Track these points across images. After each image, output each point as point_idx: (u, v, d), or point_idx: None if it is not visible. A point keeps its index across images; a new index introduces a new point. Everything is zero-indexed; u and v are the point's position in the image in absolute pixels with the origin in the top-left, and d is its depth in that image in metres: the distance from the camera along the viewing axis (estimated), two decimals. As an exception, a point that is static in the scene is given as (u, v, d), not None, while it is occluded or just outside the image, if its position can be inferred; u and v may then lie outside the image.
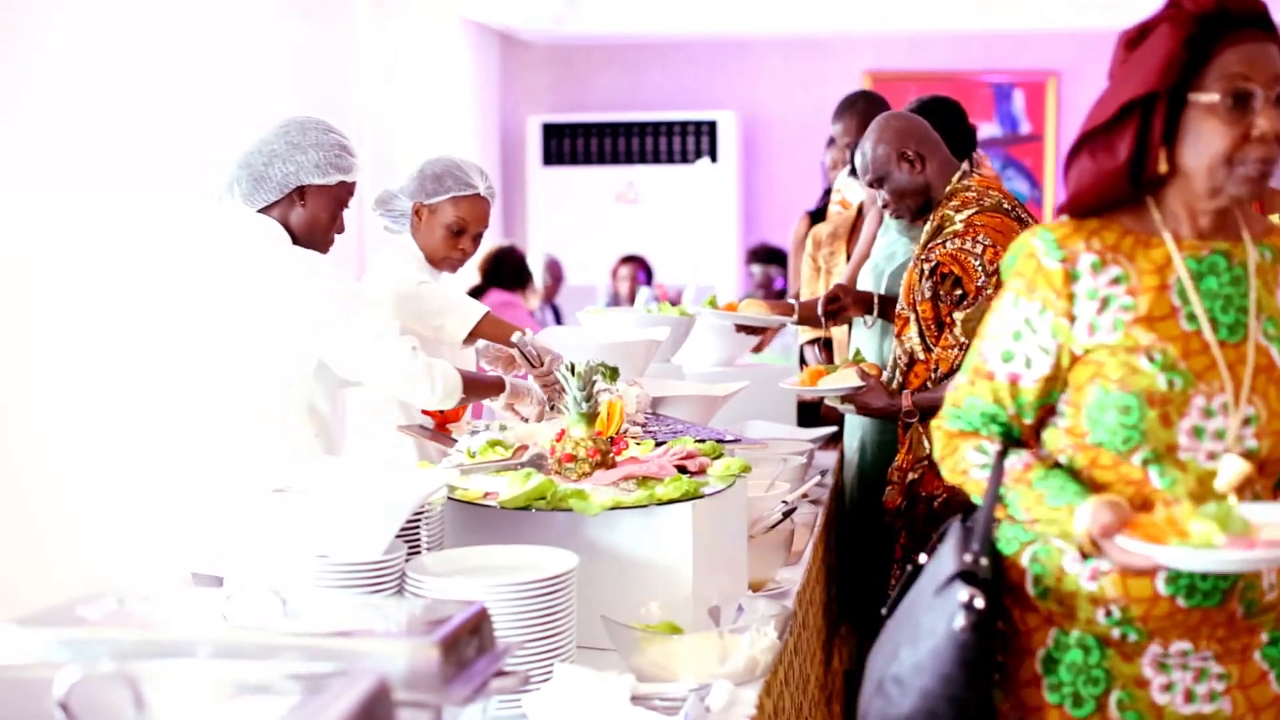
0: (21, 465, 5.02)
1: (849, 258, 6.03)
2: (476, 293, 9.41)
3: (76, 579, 4.98)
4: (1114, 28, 10.69)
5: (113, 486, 5.47)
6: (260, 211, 3.95)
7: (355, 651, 1.95)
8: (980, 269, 4.38)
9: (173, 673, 1.82)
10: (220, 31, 6.68)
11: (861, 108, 6.11)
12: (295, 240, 3.96)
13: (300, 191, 3.95)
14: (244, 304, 3.86)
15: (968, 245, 4.42)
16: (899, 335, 4.60)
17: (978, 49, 12.99)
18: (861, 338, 5.32)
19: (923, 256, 4.52)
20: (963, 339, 4.40)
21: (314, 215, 3.98)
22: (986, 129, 12.60)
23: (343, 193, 4.02)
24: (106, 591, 2.18)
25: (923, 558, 2.81)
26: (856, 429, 5.30)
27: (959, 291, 4.42)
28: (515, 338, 4.42)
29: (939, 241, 4.49)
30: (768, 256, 11.04)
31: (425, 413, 4.31)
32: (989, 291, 4.35)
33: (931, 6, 11.71)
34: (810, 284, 6.23)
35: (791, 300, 5.76)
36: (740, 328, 5.49)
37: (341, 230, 4.08)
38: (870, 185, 4.75)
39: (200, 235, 4.10)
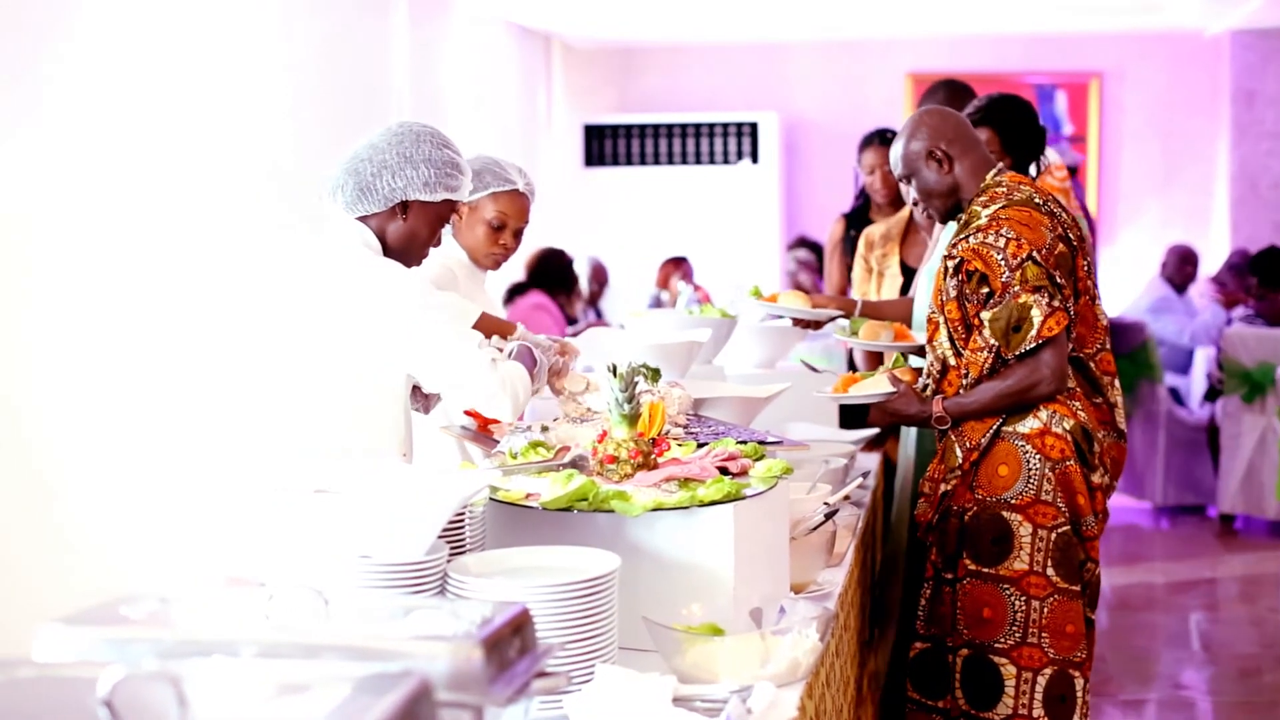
0: (66, 466, 5.05)
1: (902, 260, 5.99)
2: (518, 290, 9.44)
3: (121, 579, 5.00)
4: (1156, 28, 10.72)
5: (166, 488, 5.50)
6: (360, 219, 3.87)
7: (397, 652, 1.95)
8: (1003, 263, 4.29)
9: (215, 672, 1.83)
10: (260, 35, 6.70)
11: (943, 96, 5.98)
12: (387, 251, 3.88)
13: (404, 205, 3.86)
14: (330, 313, 3.79)
15: (989, 239, 4.32)
16: (930, 341, 4.53)
17: (1019, 50, 12.96)
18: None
19: (947, 254, 4.46)
20: (992, 341, 4.34)
21: (413, 230, 3.88)
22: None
23: (446, 210, 3.92)
24: (149, 591, 2.19)
25: None
26: (908, 440, 5.29)
27: (985, 290, 4.34)
28: (506, 340, 4.33)
29: (963, 237, 4.41)
30: (804, 245, 11.11)
31: (467, 413, 4.30)
32: (1015, 288, 4.30)
33: (973, 8, 11.68)
34: (862, 285, 6.17)
35: (855, 297, 5.65)
36: (796, 321, 5.45)
37: (438, 245, 4.01)
38: (900, 181, 4.69)
39: (292, 242, 4.03)
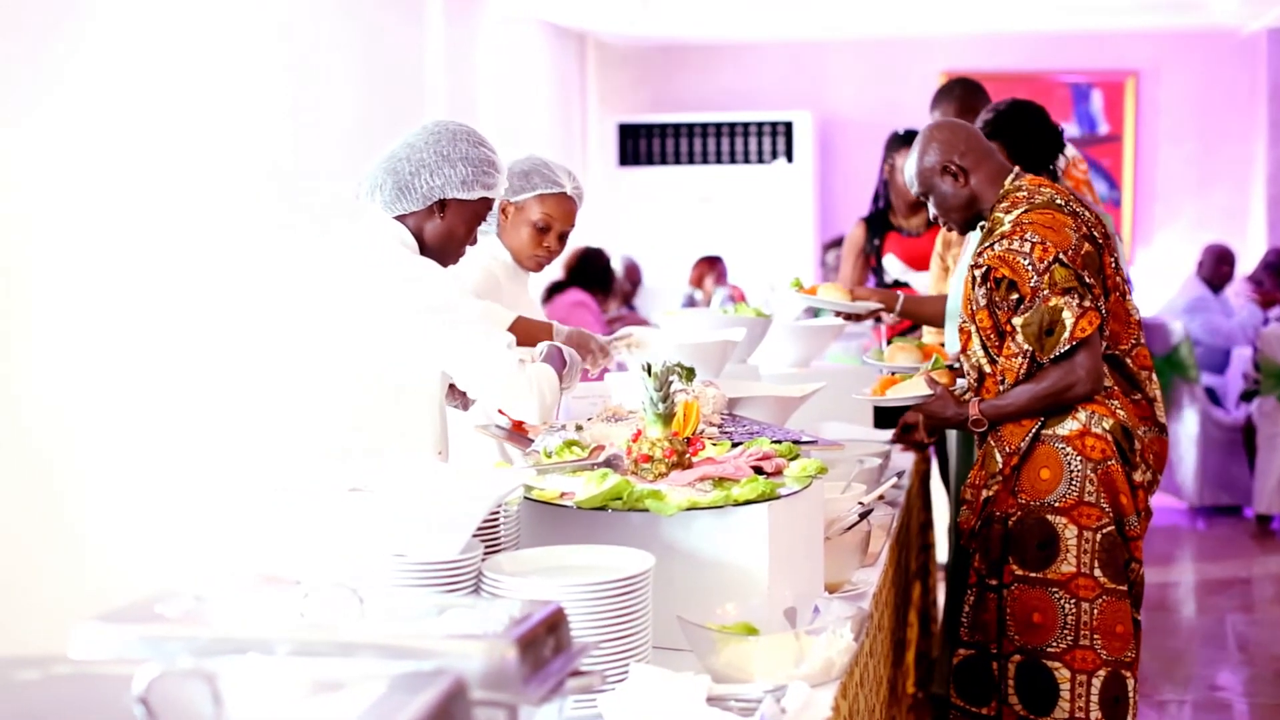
0: (90, 466, 5.07)
1: None
2: (558, 289, 9.46)
3: (150, 579, 5.01)
4: (1193, 26, 10.67)
5: (199, 486, 5.52)
6: (396, 218, 3.89)
7: (432, 650, 1.96)
8: (1030, 268, 4.26)
9: (250, 670, 1.83)
10: (294, 35, 6.71)
11: (959, 94, 5.95)
12: (424, 249, 3.89)
13: (441, 204, 3.86)
14: (367, 311, 3.79)
15: (1015, 245, 4.29)
16: (964, 351, 4.51)
17: (1054, 49, 12.92)
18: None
19: (973, 263, 4.44)
20: (1025, 346, 4.32)
21: (450, 228, 3.89)
22: (1064, 129, 12.52)
23: (482, 208, 3.93)
24: (184, 589, 2.20)
25: None
26: (951, 445, 5.27)
27: (1015, 296, 4.30)
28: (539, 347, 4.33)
29: (988, 245, 4.38)
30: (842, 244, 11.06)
31: (501, 412, 4.30)
32: (1044, 291, 4.28)
33: (1008, 6, 11.65)
34: (938, 284, 6.13)
35: (899, 292, 5.64)
36: (839, 314, 5.43)
37: (474, 243, 4.02)
38: (919, 197, 4.67)
39: (328, 239, 4.03)
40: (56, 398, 4.88)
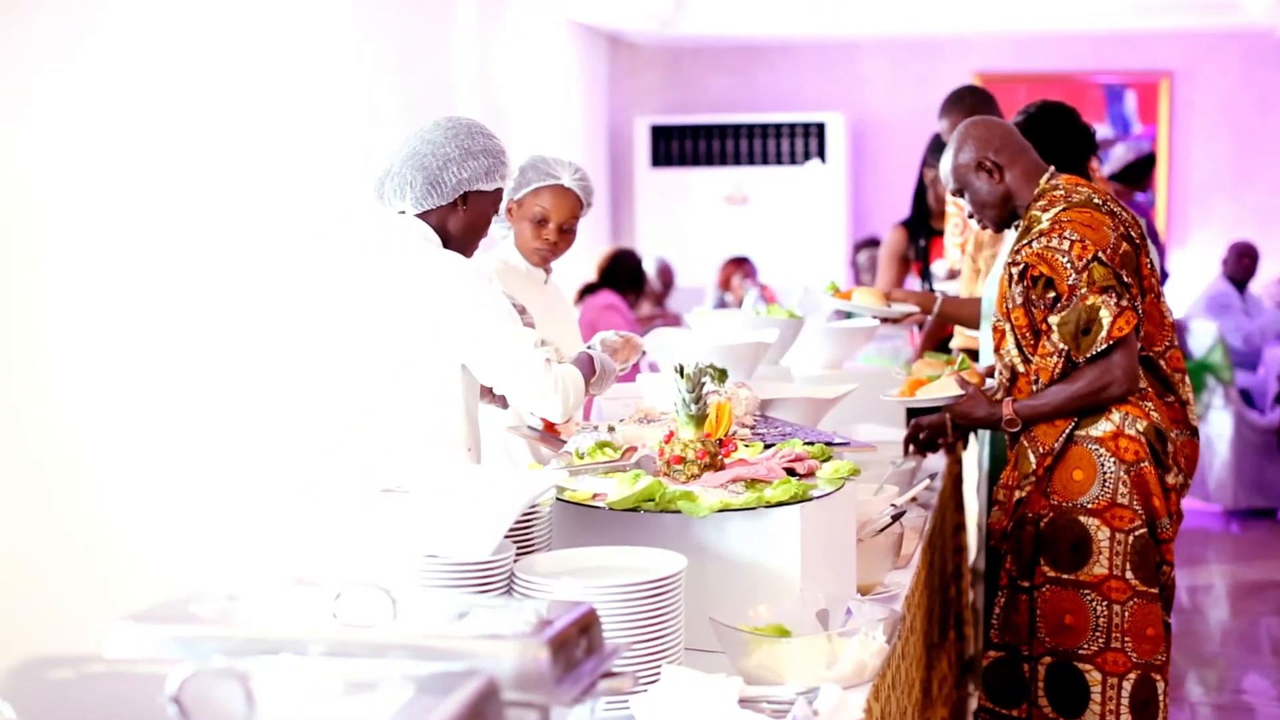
0: (120, 464, 5.09)
1: None
2: (590, 290, 9.46)
3: (181, 578, 5.03)
4: (1227, 27, 10.61)
5: (235, 486, 5.54)
6: (419, 214, 3.94)
7: (464, 651, 1.96)
8: (1069, 266, 4.24)
9: (283, 670, 1.83)
10: (323, 33, 6.73)
11: (970, 103, 5.96)
12: (447, 243, 3.94)
13: (465, 196, 3.93)
14: (394, 307, 3.83)
15: (1054, 243, 4.28)
16: (997, 350, 4.50)
17: (1088, 49, 12.89)
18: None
19: (1010, 261, 4.43)
20: (1061, 345, 4.31)
21: (471, 220, 3.96)
22: (1098, 130, 12.47)
23: (497, 199, 4.02)
24: (217, 589, 2.20)
25: None
26: (983, 445, 5.26)
27: (1052, 294, 4.28)
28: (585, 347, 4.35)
29: (1025, 243, 4.36)
30: (873, 244, 11.03)
31: (533, 413, 4.31)
32: (1082, 290, 4.27)
33: (1042, 7, 11.62)
34: (969, 286, 6.12)
35: (939, 292, 5.61)
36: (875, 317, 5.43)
37: (485, 235, 4.09)
38: (954, 195, 4.67)
39: (351, 237, 4.07)
40: (78, 396, 4.89)
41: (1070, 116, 5.16)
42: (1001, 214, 4.54)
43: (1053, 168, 4.54)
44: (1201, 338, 10.78)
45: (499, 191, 4.01)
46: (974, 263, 6.08)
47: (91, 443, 4.91)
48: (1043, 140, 4.84)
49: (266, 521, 5.46)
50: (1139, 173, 8.52)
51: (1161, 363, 4.49)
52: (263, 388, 5.78)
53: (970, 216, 4.66)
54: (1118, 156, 8.59)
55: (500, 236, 4.82)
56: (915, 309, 5.38)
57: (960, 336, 6.02)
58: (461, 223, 3.95)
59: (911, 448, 5.01)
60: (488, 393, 4.13)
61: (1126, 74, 12.87)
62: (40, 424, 4.72)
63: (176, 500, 5.24)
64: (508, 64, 9.72)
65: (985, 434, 5.26)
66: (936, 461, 5.25)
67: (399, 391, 3.86)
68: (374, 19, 7.35)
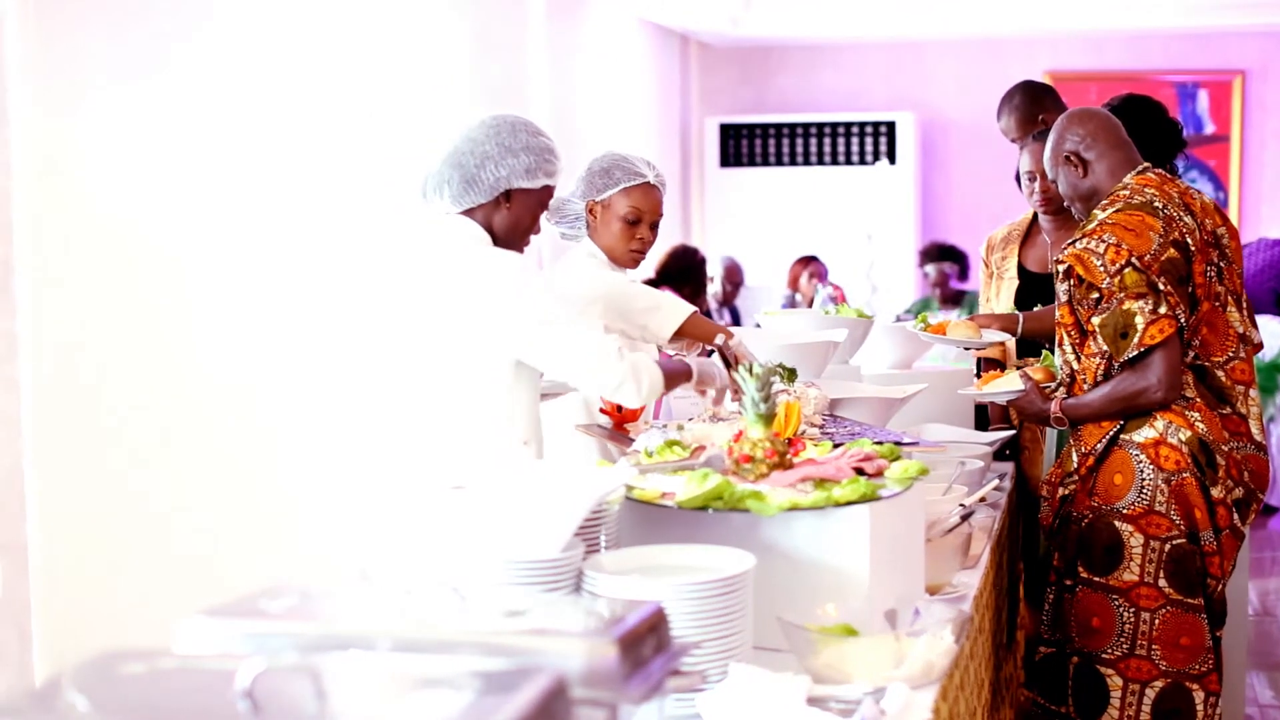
0: (239, 463, 5.14)
1: (1021, 262, 5.88)
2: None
3: (255, 576, 5.05)
4: (1303, 25, 10.31)
5: (318, 483, 5.59)
6: (463, 213, 3.96)
7: (533, 648, 1.96)
8: (1102, 269, 4.23)
9: (353, 666, 1.84)
10: (395, 34, 6.75)
11: (1019, 102, 5.93)
12: (495, 242, 3.96)
13: (507, 194, 3.94)
14: (449, 306, 3.85)
15: (1092, 244, 4.27)
16: (1059, 346, 4.51)
17: (1159, 48, 12.79)
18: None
19: (1056, 259, 4.42)
20: (1104, 347, 4.28)
21: (517, 218, 3.97)
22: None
23: (545, 196, 4.02)
24: (289, 585, 2.21)
25: None
26: (1049, 443, 5.24)
27: (1095, 295, 4.28)
28: (719, 340, 4.37)
29: (1072, 241, 4.37)
30: (940, 254, 10.92)
31: (603, 411, 4.31)
32: (1118, 295, 4.24)
33: (1113, 5, 11.54)
34: (984, 289, 6.11)
35: (1017, 312, 5.59)
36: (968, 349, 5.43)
37: (538, 232, 4.08)
38: (1051, 184, 4.67)
39: (404, 237, 4.10)
40: (156, 391, 4.93)
41: (1156, 111, 5.13)
42: (1087, 207, 4.52)
43: (1145, 165, 4.50)
44: (1270, 339, 10.66)
45: (548, 189, 4.00)
46: (986, 266, 6.06)
47: (172, 440, 4.94)
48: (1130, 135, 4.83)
49: (337, 519, 5.49)
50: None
51: (1220, 373, 4.43)
52: (329, 387, 5.80)
53: (1067, 204, 4.64)
54: None
55: (570, 237, 4.81)
56: (1006, 336, 5.36)
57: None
58: (506, 221, 3.97)
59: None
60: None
61: (1199, 73, 12.78)
62: (122, 420, 4.75)
63: (250, 496, 5.27)
64: (580, 63, 9.73)
65: (1051, 431, 5.24)
66: (1006, 461, 5.23)
67: (456, 390, 3.88)
68: (447, 19, 7.37)
